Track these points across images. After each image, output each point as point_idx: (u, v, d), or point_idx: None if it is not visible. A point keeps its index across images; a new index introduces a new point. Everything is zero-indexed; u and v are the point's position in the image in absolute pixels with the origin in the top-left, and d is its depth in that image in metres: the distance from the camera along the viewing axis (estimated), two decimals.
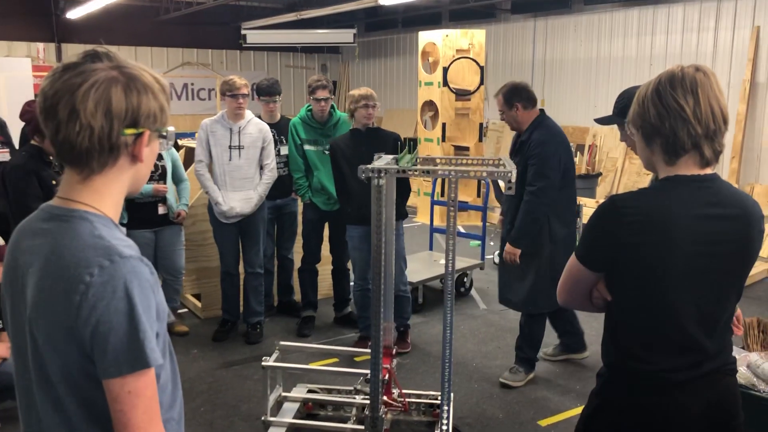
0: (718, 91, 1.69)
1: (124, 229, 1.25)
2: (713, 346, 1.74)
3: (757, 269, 6.73)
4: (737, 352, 2.68)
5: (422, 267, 5.86)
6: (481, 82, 8.98)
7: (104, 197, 1.29)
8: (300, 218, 5.35)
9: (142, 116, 1.27)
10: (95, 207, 1.28)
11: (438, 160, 3.50)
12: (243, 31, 13.74)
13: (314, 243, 5.12)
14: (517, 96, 4.10)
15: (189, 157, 5.99)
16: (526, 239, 4.03)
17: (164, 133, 1.34)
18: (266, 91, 5.04)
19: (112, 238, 1.23)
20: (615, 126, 2.70)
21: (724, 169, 8.66)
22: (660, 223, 1.65)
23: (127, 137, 1.26)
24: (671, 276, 1.67)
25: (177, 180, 4.87)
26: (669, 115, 1.67)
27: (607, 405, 1.81)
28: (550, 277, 3.94)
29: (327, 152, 4.86)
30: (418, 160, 3.24)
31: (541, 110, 4.18)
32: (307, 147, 4.92)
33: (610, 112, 2.67)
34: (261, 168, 4.79)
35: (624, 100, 2.64)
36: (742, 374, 2.52)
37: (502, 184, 2.77)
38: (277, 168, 5.08)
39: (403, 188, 4.56)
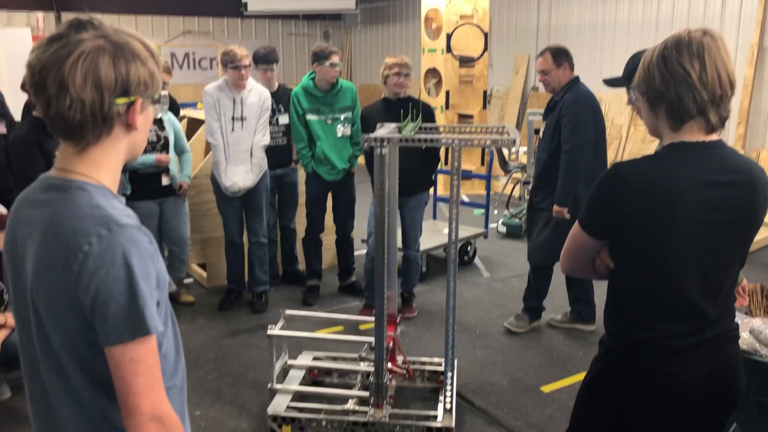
0: (725, 56, 1.66)
1: (123, 199, 1.25)
2: (715, 313, 1.74)
3: (762, 235, 6.72)
4: (740, 318, 2.68)
5: (426, 236, 5.85)
6: (485, 49, 8.87)
7: (101, 167, 1.29)
8: (303, 189, 5.33)
9: (133, 84, 1.25)
10: (92, 177, 1.28)
11: (441, 129, 3.48)
12: None
13: (318, 213, 5.11)
14: (565, 56, 4.29)
15: (191, 127, 5.97)
16: (570, 197, 4.15)
17: (157, 98, 1.33)
18: (264, 59, 4.98)
19: (110, 208, 1.23)
20: (621, 92, 2.67)
21: (730, 135, 8.59)
22: (663, 190, 1.64)
23: (120, 107, 1.26)
24: (674, 243, 1.67)
25: (179, 151, 4.85)
26: (674, 80, 1.65)
27: (609, 372, 1.82)
28: (564, 237, 4.05)
29: (330, 122, 4.85)
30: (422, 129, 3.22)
31: (576, 76, 4.33)
32: (309, 116, 4.86)
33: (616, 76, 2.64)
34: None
35: (634, 63, 2.61)
36: (745, 340, 2.53)
37: (506, 152, 2.77)
38: (276, 137, 5.06)
39: (431, 158, 4.60)
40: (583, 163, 4.10)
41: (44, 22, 12.72)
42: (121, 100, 1.25)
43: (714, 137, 1.71)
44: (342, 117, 4.90)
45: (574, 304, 4.64)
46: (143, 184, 4.58)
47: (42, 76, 1.21)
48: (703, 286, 1.72)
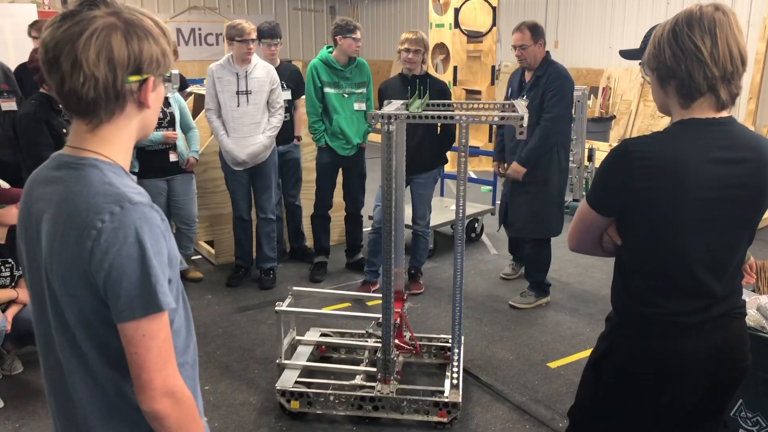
0: (737, 32, 1.64)
1: (134, 177, 1.27)
2: (723, 290, 1.74)
3: None
4: (747, 295, 2.68)
5: (433, 213, 5.83)
6: (494, 24, 8.78)
7: (113, 145, 1.30)
8: (307, 165, 5.32)
9: (145, 62, 1.26)
10: (105, 155, 1.28)
11: (443, 105, 3.45)
12: None
13: (328, 189, 5.11)
14: (541, 33, 4.43)
15: (198, 104, 5.95)
16: (533, 162, 4.34)
17: (168, 76, 1.33)
18: (268, 34, 4.95)
19: (122, 185, 1.24)
20: (631, 67, 2.67)
21: (741, 111, 8.50)
22: (672, 167, 1.63)
23: (132, 84, 1.26)
24: (683, 220, 1.66)
25: (185, 128, 4.85)
26: (685, 56, 1.64)
27: (615, 348, 1.83)
28: (557, 204, 4.42)
29: (346, 95, 4.87)
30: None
31: (548, 51, 4.50)
32: (327, 89, 4.85)
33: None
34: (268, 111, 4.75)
35: (650, 37, 2.63)
36: (752, 316, 2.54)
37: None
38: None
39: (447, 135, 4.60)
40: (559, 135, 4.33)
41: None
42: (134, 78, 1.26)
43: (724, 114, 1.69)
44: (358, 92, 4.93)
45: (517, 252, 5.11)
46: (151, 162, 4.59)
47: (56, 53, 1.21)
48: (711, 263, 1.71)
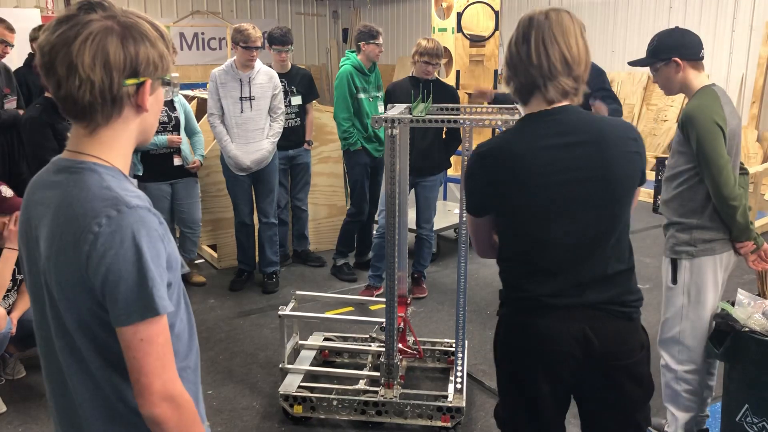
0: (559, 34, 1.75)
1: (134, 181, 1.26)
2: (592, 275, 1.81)
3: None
4: (752, 300, 2.67)
5: (437, 217, 5.83)
6: (496, 28, 8.77)
7: (112, 149, 1.30)
8: (315, 169, 5.30)
9: (142, 65, 1.25)
10: (103, 159, 1.28)
11: (452, 108, 3.45)
12: None
13: (364, 192, 5.09)
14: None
15: (201, 108, 5.96)
16: None
17: (168, 80, 1.33)
18: (280, 40, 4.96)
19: (120, 189, 1.24)
20: (634, 72, 2.70)
21: (744, 114, 8.48)
22: (510, 159, 1.77)
23: (129, 87, 1.26)
24: (529, 206, 1.78)
25: (190, 133, 4.86)
26: (511, 61, 1.81)
27: (500, 324, 1.97)
28: None
29: (371, 99, 4.98)
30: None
31: None
32: (360, 95, 4.95)
33: (628, 58, 2.67)
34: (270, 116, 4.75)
35: (654, 42, 2.73)
36: (758, 321, 2.52)
37: None
38: (290, 119, 5.05)
39: (451, 140, 4.62)
40: None
41: (53, 2, 12.70)
42: (131, 81, 1.25)
43: (558, 105, 1.79)
44: (379, 95, 5.03)
45: None
46: (155, 165, 4.59)
47: (51, 57, 1.21)
48: (570, 246, 1.79)
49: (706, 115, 2.56)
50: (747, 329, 2.53)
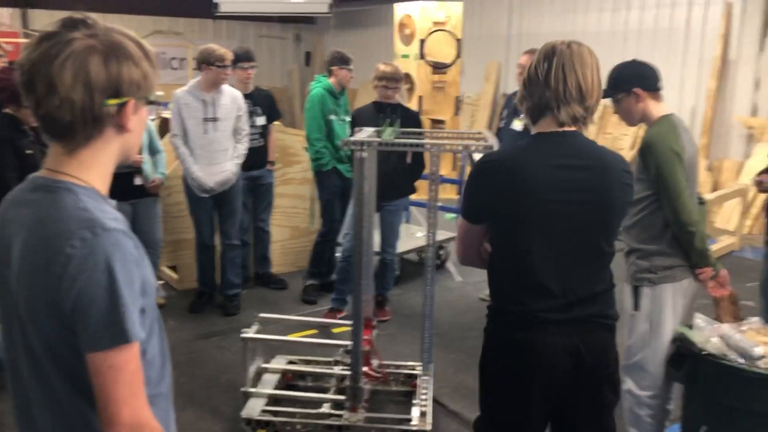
0: (578, 64, 1.87)
1: (113, 202, 1.23)
2: (580, 292, 1.90)
3: (725, 242, 6.90)
4: (709, 324, 2.75)
5: (400, 240, 5.88)
6: (458, 56, 8.94)
7: (91, 169, 1.27)
8: (278, 191, 5.29)
9: (124, 85, 1.24)
10: (81, 179, 1.26)
11: (415, 134, 3.50)
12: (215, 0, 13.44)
13: (337, 212, 5.10)
14: None
15: (164, 127, 5.89)
16: None
17: (152, 99, 1.32)
18: (245, 57, 4.97)
19: (97, 210, 1.21)
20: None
21: None
22: (519, 172, 1.85)
23: (111, 107, 1.24)
24: (530, 220, 1.86)
25: (153, 151, 4.79)
26: (531, 82, 1.91)
27: (490, 340, 2.01)
28: None
29: (341, 122, 5.03)
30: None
31: None
32: (330, 117, 5.00)
33: None
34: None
35: (615, 74, 2.80)
36: (715, 345, 2.60)
37: (478, 156, 2.81)
38: (253, 139, 5.03)
39: (416, 165, 4.67)
40: None
41: (10, 17, 12.46)
42: (113, 101, 1.23)
43: (568, 129, 1.90)
44: (347, 119, 5.06)
45: None
46: (116, 185, 4.35)
47: (31, 75, 1.20)
48: (561, 263, 1.88)
49: (665, 143, 2.65)
50: (705, 352, 2.60)
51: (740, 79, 8.52)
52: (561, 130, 1.89)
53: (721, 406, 2.61)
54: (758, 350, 2.51)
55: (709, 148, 8.76)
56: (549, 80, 1.86)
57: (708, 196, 6.67)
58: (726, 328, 2.68)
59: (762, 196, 7.08)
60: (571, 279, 1.89)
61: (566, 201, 1.85)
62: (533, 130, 1.96)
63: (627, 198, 1.96)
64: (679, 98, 9.04)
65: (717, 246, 6.71)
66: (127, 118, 1.27)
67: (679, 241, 2.72)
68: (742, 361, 2.53)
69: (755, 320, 2.82)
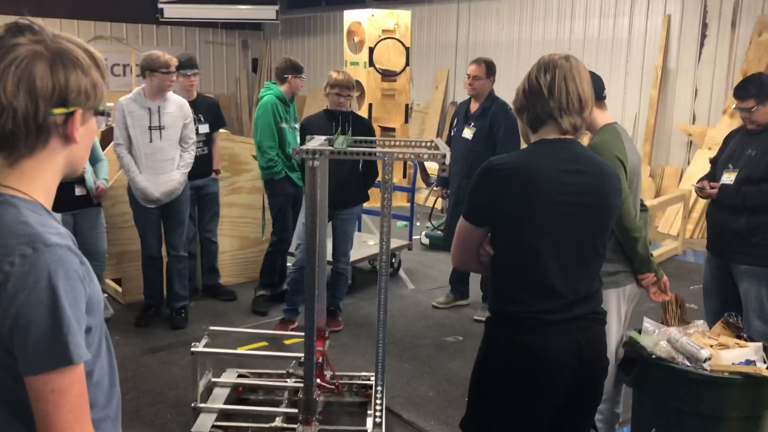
0: (577, 75, 1.98)
1: (58, 215, 1.17)
2: (581, 291, 2.00)
3: (668, 247, 7.10)
4: (656, 327, 2.81)
5: (352, 248, 5.85)
6: (407, 63, 8.98)
7: (34, 181, 1.21)
8: (224, 200, 5.19)
9: (72, 94, 1.18)
10: (23, 191, 1.19)
11: (367, 142, 3.47)
12: (160, 5, 13.19)
13: (289, 221, 5.05)
14: (494, 70, 4.91)
15: (106, 136, 5.73)
16: None
17: (102, 110, 1.26)
18: (188, 64, 4.87)
19: (39, 225, 1.15)
20: None
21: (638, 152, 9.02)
22: (527, 174, 1.93)
23: (57, 117, 1.18)
24: (538, 222, 1.93)
25: (94, 160, 4.64)
26: (531, 92, 2.00)
27: (493, 346, 2.04)
28: None
29: (291, 130, 5.01)
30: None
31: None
32: (282, 125, 4.96)
33: None
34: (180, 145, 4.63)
35: None
36: (663, 348, 2.65)
37: (429, 165, 2.81)
38: (197, 147, 4.92)
39: (368, 173, 4.65)
40: None
41: None
42: (59, 111, 1.18)
43: (569, 137, 2.01)
44: (297, 126, 5.04)
45: (457, 284, 5.33)
46: (56, 195, 4.32)
47: None
48: (565, 263, 1.96)
49: (609, 151, 2.70)
50: (654, 356, 2.65)
51: (680, 87, 8.81)
52: (562, 137, 2.00)
53: (670, 408, 2.66)
54: (704, 353, 2.57)
55: (651, 155, 9.03)
56: (552, 91, 1.96)
57: (651, 201, 6.85)
58: (673, 331, 2.74)
59: (702, 202, 7.33)
60: (574, 278, 1.98)
61: (572, 203, 1.94)
62: (533, 138, 2.05)
63: (618, 202, 2.08)
64: (623, 106, 9.29)
65: (660, 250, 6.90)
66: (74, 128, 1.21)
67: (622, 247, 2.76)
68: (689, 364, 2.59)
69: (700, 323, 2.90)
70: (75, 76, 1.18)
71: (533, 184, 1.92)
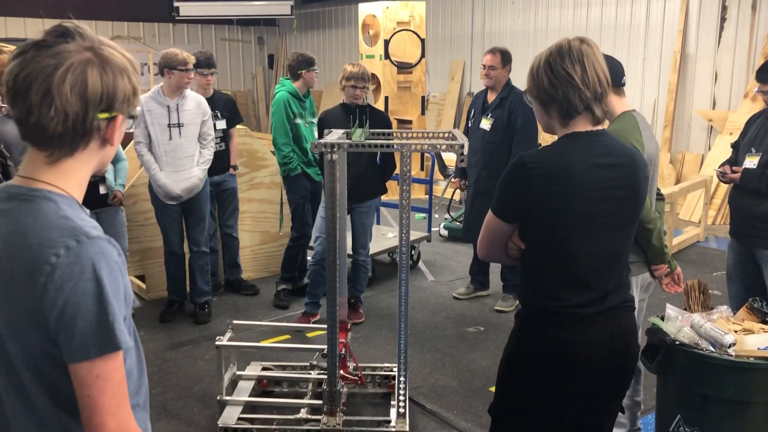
0: (601, 59, 1.94)
1: (88, 210, 1.22)
2: (613, 283, 2.00)
3: (690, 234, 7.03)
4: (679, 313, 2.79)
5: (371, 241, 5.87)
6: (423, 55, 8.96)
7: (70, 178, 1.26)
8: (243, 195, 5.23)
9: (118, 100, 1.24)
10: (60, 187, 1.24)
11: (384, 134, 3.49)
12: (176, 3, 13.28)
13: (308, 216, 5.08)
14: (510, 59, 4.89)
15: (126, 135, 5.79)
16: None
17: (133, 114, 1.31)
18: (205, 63, 4.91)
19: (78, 219, 1.20)
20: None
21: (657, 138, 8.94)
22: (563, 173, 1.88)
23: (100, 121, 1.23)
24: (574, 219, 1.90)
25: (115, 159, 4.70)
26: (560, 83, 1.90)
27: (525, 340, 2.03)
28: None
29: (307, 125, 5.03)
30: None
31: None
32: (297, 120, 4.97)
33: None
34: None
35: None
36: (686, 334, 2.63)
37: (447, 156, 2.82)
38: (215, 143, 4.97)
39: (386, 165, 4.66)
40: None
41: None
42: (103, 115, 1.23)
43: (599, 127, 1.97)
44: (314, 121, 5.06)
45: (477, 275, 5.32)
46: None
47: (25, 84, 1.18)
48: (602, 258, 1.96)
49: (625, 139, 2.67)
50: (677, 342, 2.64)
51: (699, 72, 8.71)
52: (594, 129, 1.95)
53: (695, 394, 2.65)
54: (729, 338, 2.56)
55: (671, 141, 8.94)
56: (586, 80, 1.89)
57: (671, 188, 6.79)
58: (696, 317, 2.72)
59: (724, 187, 7.25)
60: (607, 271, 1.98)
61: (605, 198, 1.92)
62: (562, 131, 1.97)
63: (647, 191, 2.07)
64: (641, 93, 9.20)
65: (682, 237, 6.84)
66: (114, 132, 1.27)
67: (636, 238, 2.75)
68: (713, 349, 2.58)
69: (724, 308, 2.87)
70: (121, 82, 1.24)
71: (569, 184, 1.88)
